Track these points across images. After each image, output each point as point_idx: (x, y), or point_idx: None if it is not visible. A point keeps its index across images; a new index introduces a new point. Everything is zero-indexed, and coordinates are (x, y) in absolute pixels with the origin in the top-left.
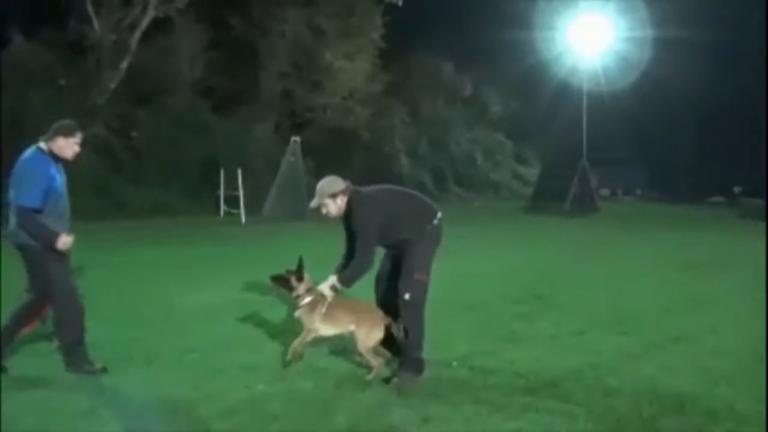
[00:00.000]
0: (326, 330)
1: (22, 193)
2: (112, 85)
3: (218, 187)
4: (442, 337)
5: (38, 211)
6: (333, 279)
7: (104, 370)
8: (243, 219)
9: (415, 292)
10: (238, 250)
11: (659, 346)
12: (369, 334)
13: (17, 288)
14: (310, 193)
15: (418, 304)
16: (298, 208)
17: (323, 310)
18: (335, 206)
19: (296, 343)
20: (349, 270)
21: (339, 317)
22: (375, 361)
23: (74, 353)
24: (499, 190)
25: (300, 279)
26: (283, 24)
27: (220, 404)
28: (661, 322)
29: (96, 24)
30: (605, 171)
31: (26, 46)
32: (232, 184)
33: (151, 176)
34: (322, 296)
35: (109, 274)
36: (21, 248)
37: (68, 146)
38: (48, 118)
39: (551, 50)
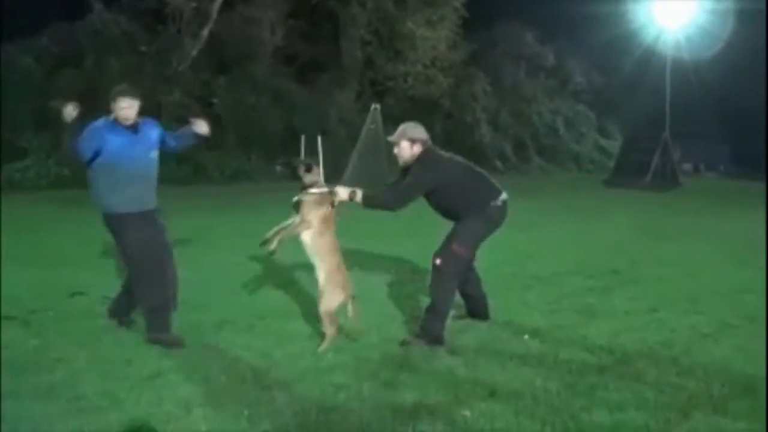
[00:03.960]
0: (313, 239)
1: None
2: (194, 52)
3: (298, 154)
4: (515, 309)
5: (85, 161)
6: (356, 189)
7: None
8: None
9: (448, 262)
10: None
11: (733, 326)
12: (333, 293)
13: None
14: (390, 161)
15: (446, 275)
16: (379, 175)
17: (328, 212)
18: (409, 151)
19: (283, 234)
20: (375, 193)
21: (333, 247)
22: (330, 329)
23: (154, 318)
24: (581, 161)
25: (309, 170)
26: None
27: (286, 372)
28: (736, 303)
29: None
30: (688, 145)
31: (106, 14)
32: (312, 151)
33: (231, 143)
34: (333, 194)
35: (180, 239)
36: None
37: (118, 110)
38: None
39: (634, 21)
